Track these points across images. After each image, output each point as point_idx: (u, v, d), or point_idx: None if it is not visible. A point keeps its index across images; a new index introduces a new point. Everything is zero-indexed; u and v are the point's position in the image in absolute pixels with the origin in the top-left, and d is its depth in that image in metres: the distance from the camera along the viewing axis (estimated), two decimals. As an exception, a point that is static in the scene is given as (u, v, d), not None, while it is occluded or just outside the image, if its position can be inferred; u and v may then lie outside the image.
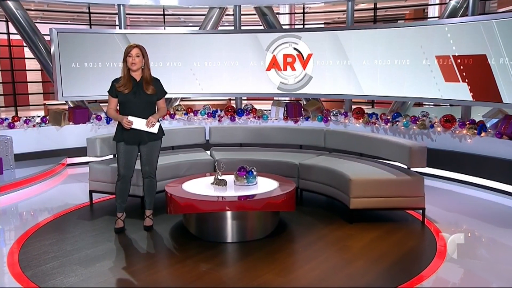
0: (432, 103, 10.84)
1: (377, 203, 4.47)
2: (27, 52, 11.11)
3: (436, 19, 10.17)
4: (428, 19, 11.62)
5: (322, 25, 15.29)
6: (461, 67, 6.13)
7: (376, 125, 7.13)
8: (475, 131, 6.03)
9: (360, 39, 7.16)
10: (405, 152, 4.61)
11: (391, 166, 4.95)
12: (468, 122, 6.23)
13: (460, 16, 6.74)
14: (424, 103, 10.93)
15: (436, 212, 4.84)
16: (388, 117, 7.08)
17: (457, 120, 6.40)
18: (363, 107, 7.88)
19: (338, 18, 15.28)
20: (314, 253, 3.80)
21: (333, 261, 3.66)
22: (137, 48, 4.08)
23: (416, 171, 4.73)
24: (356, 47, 7.21)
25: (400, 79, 6.85)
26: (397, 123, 6.88)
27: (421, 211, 4.54)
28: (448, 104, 8.53)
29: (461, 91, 6.18)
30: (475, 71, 5.97)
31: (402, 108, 7.51)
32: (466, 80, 6.10)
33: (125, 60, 4.09)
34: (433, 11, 12.19)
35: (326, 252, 3.86)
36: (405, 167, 4.76)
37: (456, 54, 6.16)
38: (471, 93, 6.07)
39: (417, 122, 6.66)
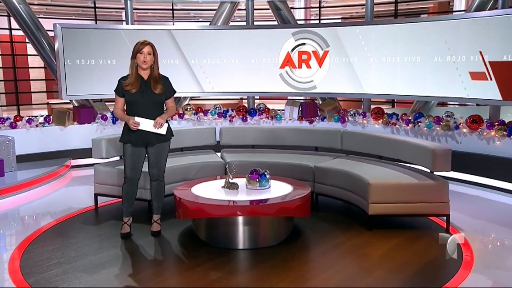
0: (457, 103, 10.76)
1: (397, 209, 4.45)
2: (30, 49, 11.28)
3: (463, 12, 10.09)
4: (454, 13, 11.54)
5: (340, 20, 15.27)
6: (490, 64, 6.06)
7: (397, 126, 7.09)
8: (504, 132, 5.97)
9: (380, 35, 7.14)
10: (428, 155, 4.59)
11: (412, 169, 4.92)
12: (496, 123, 6.16)
13: (489, 9, 6.67)
14: (448, 102, 10.85)
15: (462, 219, 4.80)
16: (410, 118, 7.03)
17: (485, 120, 6.34)
18: (382, 107, 7.86)
19: (357, 12, 15.25)
20: (330, 262, 3.80)
21: (350, 271, 3.65)
22: (149, 45, 4.11)
23: (440, 175, 4.69)
24: (376, 43, 7.19)
25: (422, 77, 6.80)
26: (419, 124, 6.84)
27: (445, 218, 4.50)
28: (475, 104, 8.46)
29: (489, 90, 6.12)
30: (505, 68, 5.91)
31: (424, 108, 7.46)
32: (495, 78, 6.04)
33: (134, 57, 4.12)
34: (459, 4, 12.10)
35: (343, 260, 3.85)
36: (428, 171, 4.73)
37: (485, 50, 6.10)
38: (500, 92, 6.01)
39: (441, 123, 6.61)
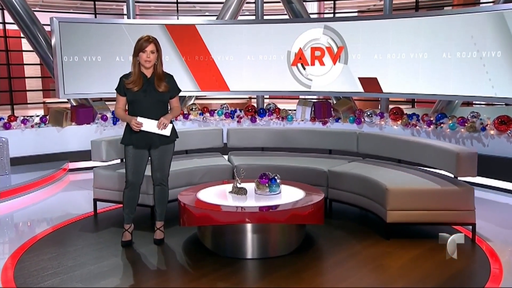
0: (483, 102, 10.68)
1: (418, 217, 4.43)
2: (25, 44, 11.35)
3: (491, 4, 10.03)
4: (481, 5, 11.46)
5: (356, 14, 15.25)
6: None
7: (417, 127, 7.07)
8: (534, 135, 5.94)
9: (400, 29, 7.12)
10: (451, 159, 4.57)
11: (434, 174, 4.91)
12: (526, 125, 6.13)
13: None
14: (474, 102, 10.78)
15: (489, 228, 4.76)
16: (431, 119, 7.01)
17: (514, 122, 6.31)
18: (401, 106, 7.84)
19: (374, 5, 15.23)
20: (345, 273, 3.80)
21: (367, 283, 3.65)
22: (153, 43, 4.12)
23: (465, 181, 4.68)
24: (395, 38, 7.17)
25: (445, 75, 6.78)
26: (442, 125, 6.81)
27: (470, 227, 4.47)
28: (504, 104, 8.40)
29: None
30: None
31: (447, 108, 7.43)
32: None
33: (136, 55, 4.15)
34: (487, -5, 12.02)
35: (359, 272, 3.85)
36: (452, 176, 4.72)
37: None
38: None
39: (466, 124, 6.58)
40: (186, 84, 7.82)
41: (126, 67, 4.35)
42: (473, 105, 11.30)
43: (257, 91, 8.34)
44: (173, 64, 7.71)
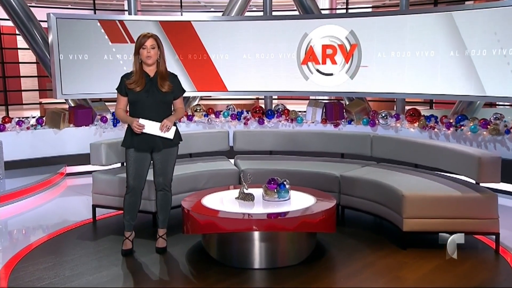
0: (508, 103, 10.63)
1: (437, 226, 4.41)
2: (21, 42, 11.44)
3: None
4: None
5: (370, 9, 15.24)
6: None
7: (436, 130, 7.05)
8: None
9: (417, 25, 7.10)
10: (472, 164, 4.55)
11: (454, 180, 4.89)
12: (554, 127, 6.10)
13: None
14: (497, 103, 10.72)
15: (513, 238, 4.74)
16: (451, 120, 6.99)
17: (541, 124, 6.28)
18: (419, 108, 7.81)
19: (390, 0, 15.21)
20: (359, 285, 3.79)
21: (383, 295, 3.65)
22: (152, 38, 4.15)
23: (487, 187, 4.65)
24: (412, 35, 7.15)
25: (466, 74, 6.75)
26: (462, 127, 6.79)
27: (494, 237, 4.44)
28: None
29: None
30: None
31: (468, 109, 7.40)
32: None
33: (137, 53, 4.18)
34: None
35: (374, 283, 3.84)
36: (473, 182, 4.70)
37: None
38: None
39: (489, 126, 6.55)
40: (182, 84, 7.83)
41: (127, 65, 4.37)
42: (496, 106, 11.24)
43: (257, 91, 8.34)
44: (167, 62, 7.70)
